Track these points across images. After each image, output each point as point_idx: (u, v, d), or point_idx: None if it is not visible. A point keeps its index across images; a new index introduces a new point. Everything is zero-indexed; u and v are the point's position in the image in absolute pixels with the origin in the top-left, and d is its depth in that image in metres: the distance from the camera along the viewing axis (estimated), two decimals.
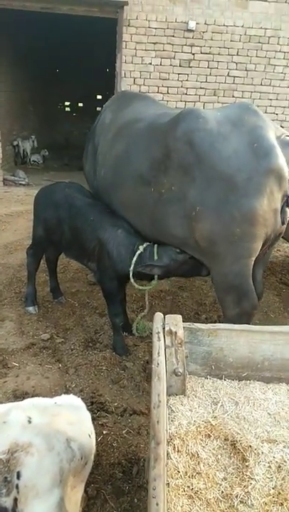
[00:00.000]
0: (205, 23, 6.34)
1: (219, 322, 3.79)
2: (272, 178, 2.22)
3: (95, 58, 13.55)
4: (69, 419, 1.78)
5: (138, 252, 2.76)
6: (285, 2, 6.31)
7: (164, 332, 1.61)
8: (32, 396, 2.55)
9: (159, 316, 1.70)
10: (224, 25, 6.36)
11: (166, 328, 1.60)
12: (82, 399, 1.94)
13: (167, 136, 2.46)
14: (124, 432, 2.41)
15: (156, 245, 2.82)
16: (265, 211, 2.25)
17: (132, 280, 2.83)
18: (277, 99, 6.84)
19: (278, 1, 6.29)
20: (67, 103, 16.26)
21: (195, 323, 1.75)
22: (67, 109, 16.49)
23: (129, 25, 6.29)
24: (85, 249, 3.02)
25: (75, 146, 14.83)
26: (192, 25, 6.28)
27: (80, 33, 11.48)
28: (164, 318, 1.68)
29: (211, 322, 3.81)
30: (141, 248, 2.77)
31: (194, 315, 3.84)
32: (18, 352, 2.97)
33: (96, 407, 2.55)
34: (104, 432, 2.37)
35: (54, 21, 8.04)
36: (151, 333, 3.35)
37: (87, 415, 1.90)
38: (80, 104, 16.05)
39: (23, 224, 5.64)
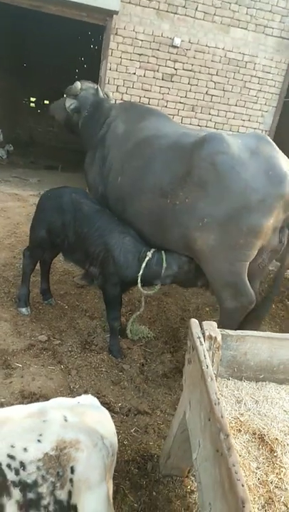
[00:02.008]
0: (189, 42, 6.64)
1: None
2: (281, 202, 2.52)
3: (64, 57, 13.47)
4: (96, 417, 1.87)
5: (147, 258, 2.90)
6: (263, 32, 6.80)
7: (204, 337, 1.77)
8: (39, 396, 2.60)
9: (195, 322, 1.86)
10: (207, 45, 6.71)
11: (207, 334, 1.77)
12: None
13: (192, 154, 2.67)
14: (132, 430, 2.53)
15: (163, 252, 2.97)
16: (268, 228, 2.57)
17: (139, 286, 2.96)
18: (249, 120, 7.31)
19: (256, 31, 6.77)
20: (32, 99, 15.94)
21: (225, 330, 1.93)
22: (32, 104, 16.16)
23: (116, 34, 6.42)
24: (89, 255, 3.09)
25: (39, 143, 14.58)
26: (177, 41, 6.55)
27: (51, 31, 11.38)
28: (201, 324, 1.85)
29: None
30: (149, 254, 2.91)
31: (180, 320, 4.04)
32: (19, 353, 2.97)
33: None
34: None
35: (23, 15, 7.89)
36: (143, 337, 3.54)
37: (108, 414, 2.00)
38: (46, 102, 15.83)
39: (1, 222, 5.52)
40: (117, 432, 2.47)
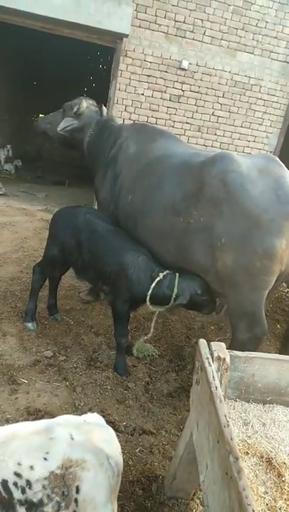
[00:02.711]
0: (196, 64, 6.82)
1: None
2: None
3: (73, 75, 13.81)
4: (102, 436, 1.87)
5: (157, 279, 2.93)
6: (268, 57, 6.98)
7: (212, 358, 1.78)
8: (44, 413, 2.59)
9: (203, 342, 1.87)
10: (214, 68, 6.88)
11: (215, 355, 1.78)
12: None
13: (203, 172, 2.72)
14: (137, 450, 2.51)
15: (177, 275, 2.97)
16: (283, 250, 2.55)
17: (148, 303, 2.99)
18: (254, 141, 7.43)
19: (262, 56, 6.95)
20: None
21: (233, 351, 1.94)
22: None
23: (126, 56, 6.60)
24: (103, 274, 3.12)
25: (46, 159, 14.80)
26: (185, 64, 6.72)
27: (62, 52, 11.71)
28: (210, 345, 1.86)
29: None
30: (160, 275, 2.93)
31: (185, 338, 4.04)
32: (24, 368, 2.97)
33: None
34: None
35: (36, 35, 8.17)
36: (148, 355, 3.53)
37: (114, 433, 2.00)
38: None
39: (9, 236, 5.58)
40: (121, 452, 2.47)
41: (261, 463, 1.75)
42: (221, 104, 7.15)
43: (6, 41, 9.65)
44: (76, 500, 1.53)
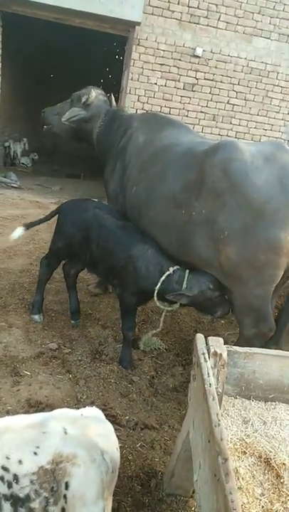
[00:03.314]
0: (211, 51, 6.63)
1: None
2: None
3: (89, 68, 13.73)
4: (98, 431, 1.82)
5: (167, 273, 2.85)
6: (286, 42, 6.72)
7: (208, 353, 1.71)
8: (46, 406, 2.57)
9: (201, 337, 1.80)
10: (229, 55, 6.68)
11: (212, 350, 1.71)
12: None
13: (204, 162, 2.60)
14: (138, 445, 2.47)
15: (187, 271, 2.87)
16: (288, 242, 2.42)
17: (155, 299, 2.93)
18: (271, 129, 7.21)
19: (280, 40, 6.70)
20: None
21: (233, 346, 1.86)
22: None
23: (138, 45, 6.48)
24: (113, 268, 3.06)
25: (63, 152, 14.86)
26: (199, 51, 6.55)
27: (78, 43, 11.63)
28: (207, 339, 1.78)
29: None
30: (170, 270, 2.85)
31: (193, 332, 3.95)
32: (28, 360, 2.97)
33: (109, 420, 2.59)
34: (119, 445, 2.41)
35: (53, 28, 8.13)
36: (155, 349, 3.48)
37: (112, 428, 1.95)
38: None
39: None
40: (121, 447, 2.43)
41: (259, 463, 1.67)
42: (236, 92, 6.95)
43: (21, 34, 9.65)
44: (65, 497, 1.50)
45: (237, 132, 7.20)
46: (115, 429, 2.54)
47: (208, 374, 1.59)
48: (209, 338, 1.80)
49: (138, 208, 3.16)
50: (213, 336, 4.30)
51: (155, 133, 3.36)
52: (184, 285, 2.85)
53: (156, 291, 2.88)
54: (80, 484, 1.54)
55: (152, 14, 6.35)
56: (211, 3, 6.38)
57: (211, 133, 7.07)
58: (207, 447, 1.43)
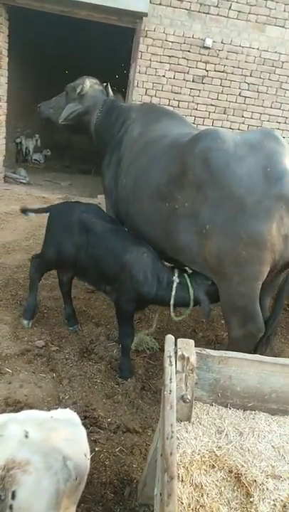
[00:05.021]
0: (221, 42, 6.41)
1: (216, 341, 3.77)
2: (282, 203, 2.20)
3: (103, 64, 13.64)
4: (66, 435, 1.71)
5: (175, 283, 2.74)
6: None
7: (176, 356, 1.57)
8: (24, 405, 2.49)
9: (170, 339, 1.66)
10: (240, 45, 6.44)
11: (179, 353, 1.56)
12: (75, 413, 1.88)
13: (185, 153, 2.46)
14: (116, 450, 2.35)
15: (186, 275, 2.78)
16: (273, 236, 2.24)
17: (172, 314, 2.84)
18: (285, 122, 6.92)
19: None
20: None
21: (206, 349, 1.71)
22: None
23: (146, 37, 6.32)
24: (105, 276, 2.93)
25: (75, 148, 14.84)
26: (209, 42, 6.34)
27: (91, 38, 11.54)
28: (176, 341, 1.64)
29: (208, 341, 3.79)
30: (177, 279, 2.75)
31: (191, 332, 3.81)
32: (11, 358, 2.89)
33: (89, 422, 2.49)
34: (96, 449, 2.30)
35: (65, 23, 8.06)
36: (149, 349, 3.35)
37: (84, 433, 1.83)
38: None
39: (22, 224, 5.57)
40: (99, 451, 2.32)
41: (229, 478, 1.52)
42: (248, 84, 6.70)
43: (35, 30, 9.64)
44: (11, 507, 1.39)
45: (249, 126, 6.94)
46: (95, 432, 2.46)
47: (170, 379, 1.45)
48: (179, 339, 1.66)
49: (126, 201, 3.04)
50: (213, 336, 4.13)
51: (150, 124, 3.23)
52: (191, 290, 2.76)
53: (171, 307, 2.80)
54: (29, 494, 1.43)
55: (160, 4, 6.17)
56: None
57: (221, 126, 6.83)
58: (159, 461, 1.30)
